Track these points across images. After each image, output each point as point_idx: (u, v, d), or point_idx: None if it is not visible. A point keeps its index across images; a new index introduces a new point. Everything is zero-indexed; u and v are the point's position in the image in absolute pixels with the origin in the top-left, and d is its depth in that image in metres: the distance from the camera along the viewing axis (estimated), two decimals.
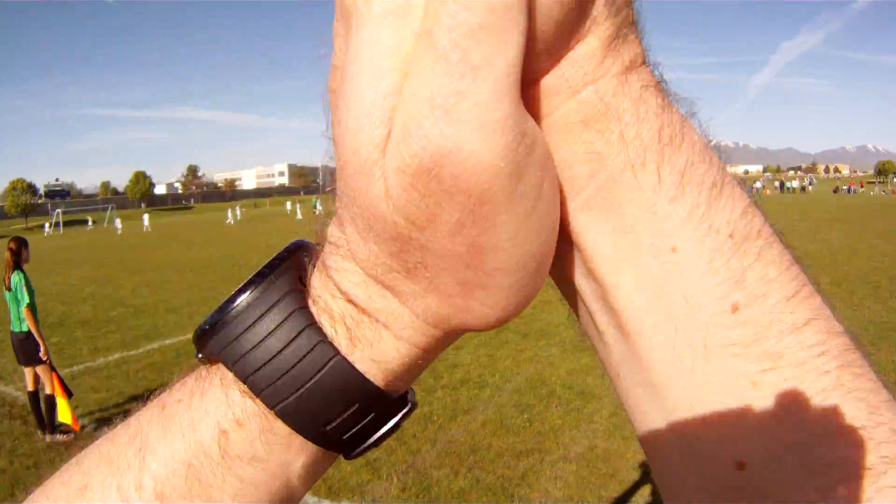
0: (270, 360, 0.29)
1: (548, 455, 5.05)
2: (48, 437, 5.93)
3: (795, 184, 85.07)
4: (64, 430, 6.01)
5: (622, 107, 0.26)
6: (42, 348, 5.91)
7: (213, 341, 0.30)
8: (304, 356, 0.28)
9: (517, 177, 0.23)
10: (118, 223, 49.12)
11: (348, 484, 4.67)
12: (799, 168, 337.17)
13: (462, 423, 5.79)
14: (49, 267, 21.91)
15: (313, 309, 0.30)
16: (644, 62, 0.27)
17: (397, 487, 4.62)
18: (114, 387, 7.43)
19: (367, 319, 0.29)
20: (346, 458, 0.33)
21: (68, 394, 5.82)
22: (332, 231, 0.30)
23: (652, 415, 0.30)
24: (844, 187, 74.69)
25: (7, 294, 6.01)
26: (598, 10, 0.24)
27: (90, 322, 11.50)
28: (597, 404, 6.06)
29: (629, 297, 0.28)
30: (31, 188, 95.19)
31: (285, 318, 0.29)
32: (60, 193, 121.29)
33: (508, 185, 0.23)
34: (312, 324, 0.29)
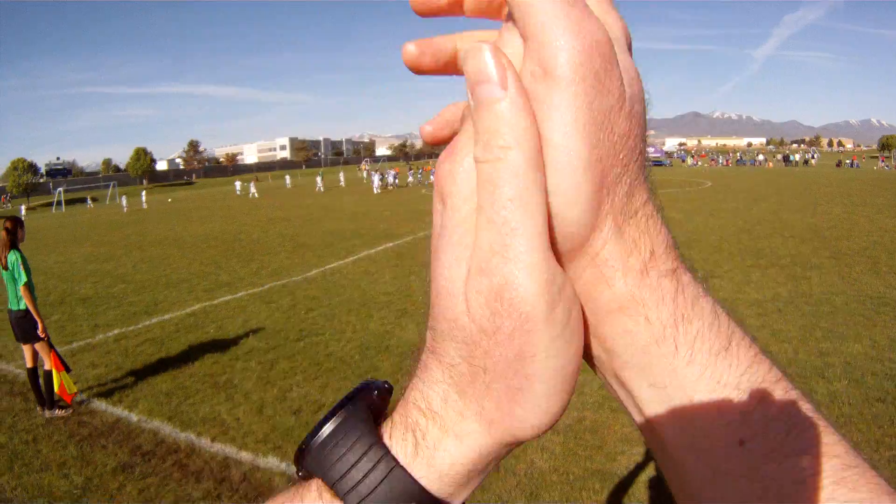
0: (347, 472, 0.36)
1: None
2: (47, 413, 6.04)
3: (798, 157, 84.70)
4: (62, 405, 6.13)
5: (645, 296, 0.33)
6: (40, 326, 6.00)
7: (307, 460, 0.38)
8: (372, 468, 0.35)
9: (551, 305, 0.31)
10: (124, 201, 49.01)
11: None
12: (802, 141, 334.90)
13: None
14: (51, 245, 22.00)
15: (386, 429, 0.37)
16: (667, 248, 0.34)
17: None
18: (112, 362, 7.51)
19: (435, 426, 0.36)
20: None
21: (66, 368, 5.92)
22: (425, 354, 0.37)
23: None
24: (847, 161, 74.17)
25: (4, 273, 6.07)
26: (607, 226, 0.32)
27: (91, 299, 11.63)
28: (587, 375, 5.99)
29: (660, 422, 0.35)
30: (33, 167, 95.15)
31: (357, 439, 0.36)
32: (62, 172, 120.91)
33: (545, 310, 0.31)
34: (377, 442, 0.36)
